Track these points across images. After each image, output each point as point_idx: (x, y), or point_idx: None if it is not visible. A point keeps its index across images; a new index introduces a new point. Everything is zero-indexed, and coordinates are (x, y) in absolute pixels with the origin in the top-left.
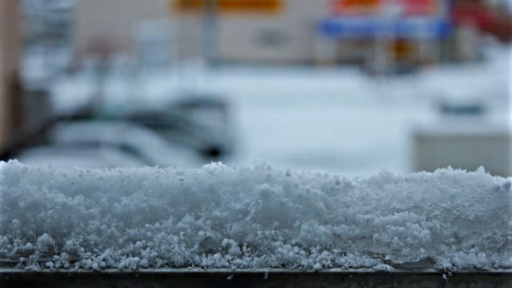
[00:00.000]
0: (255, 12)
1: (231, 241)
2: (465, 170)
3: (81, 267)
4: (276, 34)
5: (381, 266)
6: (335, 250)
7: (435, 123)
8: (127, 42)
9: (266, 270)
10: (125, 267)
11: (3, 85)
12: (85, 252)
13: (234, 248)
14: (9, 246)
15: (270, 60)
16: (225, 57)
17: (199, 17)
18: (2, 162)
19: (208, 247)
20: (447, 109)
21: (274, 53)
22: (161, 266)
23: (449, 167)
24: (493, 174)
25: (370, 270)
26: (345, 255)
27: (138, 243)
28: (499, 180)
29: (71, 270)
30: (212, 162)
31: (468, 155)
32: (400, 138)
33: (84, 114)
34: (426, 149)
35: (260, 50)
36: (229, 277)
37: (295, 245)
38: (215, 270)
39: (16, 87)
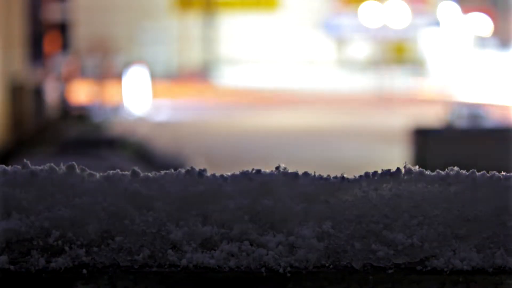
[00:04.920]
0: (255, 11)
1: (231, 241)
2: (465, 170)
3: (81, 267)
4: (276, 34)
5: (381, 266)
6: (336, 250)
7: (436, 120)
8: (127, 42)
9: (265, 270)
10: (125, 267)
11: (3, 85)
12: (85, 252)
13: (234, 248)
14: (9, 246)
15: (270, 60)
16: (225, 57)
17: (199, 17)
18: (3, 165)
19: (208, 247)
20: None
21: (273, 53)
22: (161, 266)
23: (450, 167)
24: (494, 169)
25: (370, 270)
26: (345, 254)
27: (138, 243)
28: (499, 180)
29: (71, 270)
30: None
31: (469, 152)
32: (401, 137)
33: (84, 114)
34: (427, 147)
35: (260, 50)
36: (228, 277)
37: (295, 245)
38: (215, 270)
39: (16, 87)
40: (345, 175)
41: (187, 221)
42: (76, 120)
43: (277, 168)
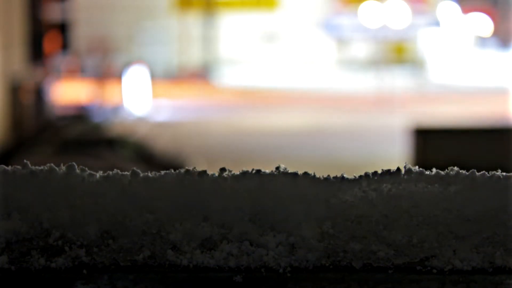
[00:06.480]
0: (255, 11)
1: (231, 241)
2: (465, 170)
3: (81, 267)
4: (276, 34)
5: (381, 266)
6: (336, 250)
7: (436, 118)
8: (127, 42)
9: (265, 270)
10: (125, 267)
11: (3, 85)
12: (85, 252)
13: (234, 248)
14: (9, 246)
15: (270, 59)
16: (225, 57)
17: (199, 17)
18: (3, 165)
19: (208, 247)
20: None
21: (274, 53)
22: (161, 266)
23: (450, 167)
24: (494, 169)
25: (370, 270)
26: (345, 254)
27: (138, 243)
28: (499, 180)
29: (71, 270)
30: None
31: (469, 152)
32: (401, 136)
33: (84, 114)
34: (427, 147)
35: (260, 50)
36: (228, 277)
37: (295, 245)
38: (215, 269)
39: (16, 87)
40: (345, 175)
41: (187, 221)
42: (76, 120)
43: (277, 168)
